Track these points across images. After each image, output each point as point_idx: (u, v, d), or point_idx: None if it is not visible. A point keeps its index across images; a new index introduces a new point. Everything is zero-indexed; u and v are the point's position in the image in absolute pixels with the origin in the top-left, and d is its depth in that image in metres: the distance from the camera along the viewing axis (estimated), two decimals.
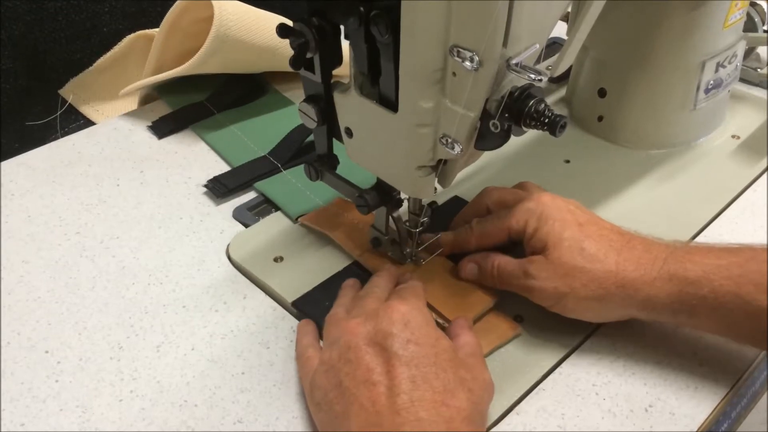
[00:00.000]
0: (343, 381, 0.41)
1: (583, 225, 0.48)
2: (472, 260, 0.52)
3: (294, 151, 0.67)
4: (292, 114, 0.74)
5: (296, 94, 0.78)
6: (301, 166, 0.66)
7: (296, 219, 0.61)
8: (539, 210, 0.49)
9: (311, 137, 0.67)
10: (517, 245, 0.51)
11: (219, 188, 0.64)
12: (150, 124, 0.73)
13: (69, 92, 0.80)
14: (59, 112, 0.78)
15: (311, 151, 0.66)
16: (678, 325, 0.49)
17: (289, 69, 0.76)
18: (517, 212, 0.50)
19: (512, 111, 0.41)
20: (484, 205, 0.54)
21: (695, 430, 0.45)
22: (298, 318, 0.53)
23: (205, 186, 0.65)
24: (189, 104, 0.75)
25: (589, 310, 0.48)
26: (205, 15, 0.69)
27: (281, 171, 0.66)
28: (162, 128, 0.73)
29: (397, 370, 0.40)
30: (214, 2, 0.67)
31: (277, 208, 0.63)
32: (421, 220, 0.52)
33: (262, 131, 0.72)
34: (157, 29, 0.75)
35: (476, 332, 0.48)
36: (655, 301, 0.45)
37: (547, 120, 0.41)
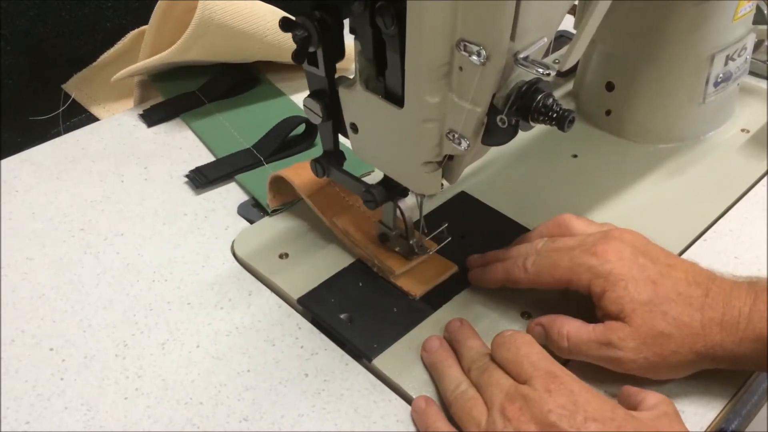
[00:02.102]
0: None
1: (657, 283, 0.45)
2: (539, 323, 0.48)
3: (277, 144, 0.67)
4: (282, 106, 0.75)
5: (289, 85, 0.78)
6: (284, 161, 0.67)
7: (272, 212, 0.61)
8: (606, 268, 0.45)
9: (297, 131, 0.68)
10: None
11: (199, 179, 0.64)
12: (141, 112, 0.74)
13: (72, 87, 0.80)
14: (62, 108, 0.77)
15: (296, 145, 0.68)
16: (760, 372, 0.48)
17: (281, 59, 0.77)
18: (578, 268, 0.46)
19: (520, 106, 0.41)
20: (525, 282, 0.49)
21: (705, 427, 0.45)
22: (304, 315, 0.53)
23: (186, 176, 0.65)
24: (181, 93, 0.76)
25: (679, 373, 0.46)
26: (196, 4, 0.69)
27: (263, 164, 0.66)
28: (152, 117, 0.73)
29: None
30: None
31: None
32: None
33: (250, 123, 0.72)
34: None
35: (415, 275, 0.52)
36: (743, 359, 0.44)
37: (555, 115, 0.40)
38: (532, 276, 0.49)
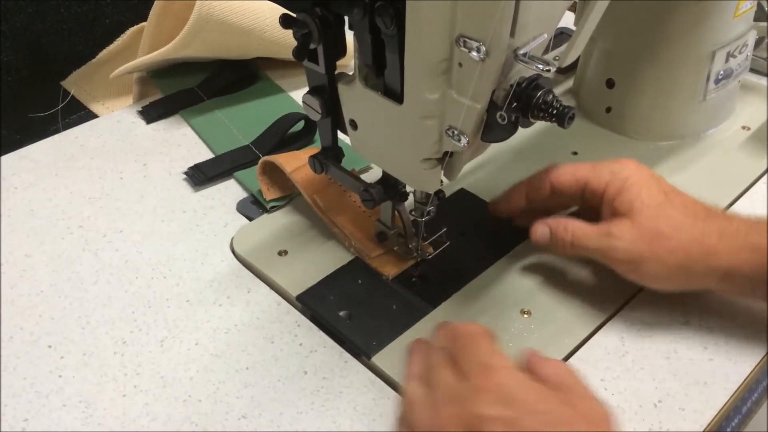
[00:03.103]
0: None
1: (668, 194, 0.49)
2: (545, 223, 0.52)
3: (276, 141, 0.67)
4: (281, 102, 0.74)
5: (288, 82, 0.78)
6: None
7: (270, 208, 0.61)
8: (624, 174, 0.50)
9: (296, 127, 0.67)
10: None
11: (198, 176, 0.64)
12: (140, 109, 0.73)
13: (71, 84, 0.80)
14: (61, 105, 0.77)
15: (295, 142, 0.68)
16: (754, 299, 0.49)
17: (280, 55, 0.76)
18: (599, 170, 0.51)
19: (520, 102, 0.40)
20: (547, 183, 0.53)
21: (705, 425, 0.45)
22: (303, 312, 0.52)
23: (185, 173, 0.65)
24: (180, 90, 0.75)
25: (670, 278, 0.48)
26: (194, 1, 0.69)
27: None
28: (151, 113, 0.73)
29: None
30: None
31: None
32: (428, 209, 0.51)
33: (249, 119, 0.71)
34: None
35: (390, 258, 0.54)
36: (738, 273, 0.46)
37: (555, 111, 0.40)
38: (554, 174, 0.52)
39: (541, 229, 0.52)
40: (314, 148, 0.60)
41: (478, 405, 0.37)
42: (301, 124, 0.69)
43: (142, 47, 0.75)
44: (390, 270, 0.54)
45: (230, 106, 0.74)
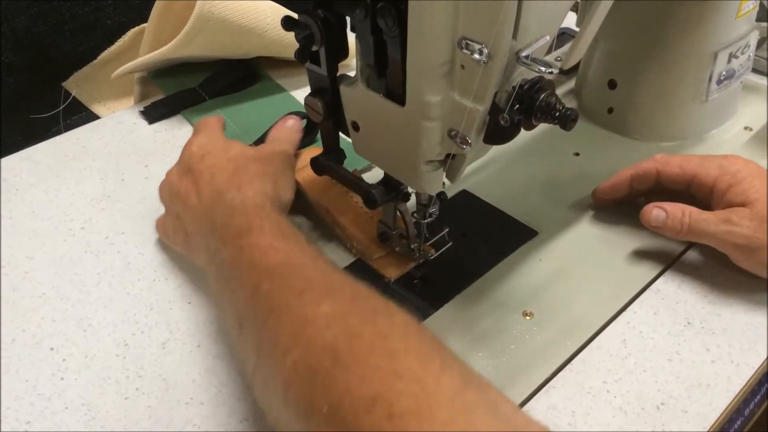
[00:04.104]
0: (177, 209, 0.53)
1: None
2: (659, 206, 0.53)
3: None
4: (283, 102, 0.74)
5: (290, 81, 0.78)
6: None
7: None
8: (734, 168, 0.52)
9: None
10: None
11: (153, 114, 0.66)
12: (142, 109, 0.73)
13: (73, 85, 0.80)
14: (63, 106, 0.77)
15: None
16: None
17: (282, 55, 0.76)
18: (708, 164, 0.53)
19: (522, 104, 0.40)
20: (654, 173, 0.56)
21: (708, 427, 0.45)
22: None
23: (141, 113, 0.67)
24: (181, 90, 0.75)
25: None
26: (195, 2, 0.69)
27: None
28: (153, 113, 0.73)
29: (201, 177, 0.51)
30: None
31: None
32: (430, 211, 0.51)
33: (252, 119, 0.71)
34: None
35: (392, 261, 0.55)
36: None
37: (558, 114, 0.40)
38: (661, 164, 0.55)
39: (656, 212, 0.53)
40: (316, 148, 0.60)
41: (184, 155, 0.56)
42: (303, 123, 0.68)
43: (143, 47, 0.75)
44: (392, 272, 0.54)
45: (232, 106, 0.74)
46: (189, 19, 0.67)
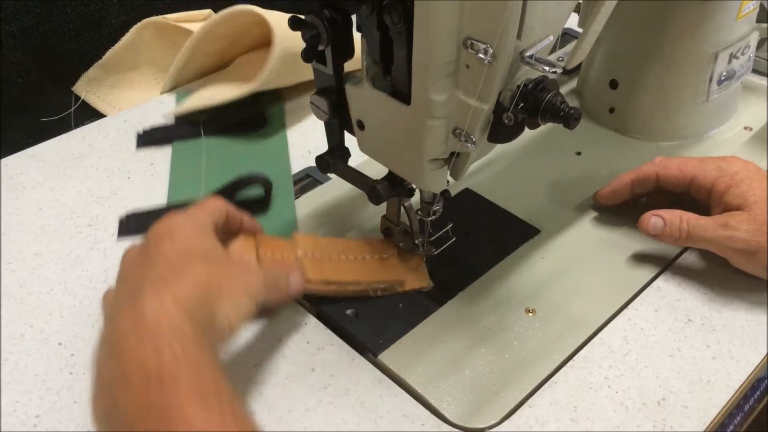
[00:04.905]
0: (118, 291, 0.43)
1: None
2: (657, 214, 0.53)
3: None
4: (272, 155, 0.68)
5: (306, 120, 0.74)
6: None
7: None
8: (733, 169, 0.52)
9: (254, 192, 0.59)
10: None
11: (129, 225, 0.59)
12: (141, 132, 0.71)
13: (82, 88, 0.80)
14: (73, 108, 0.78)
15: (247, 208, 0.54)
16: None
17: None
18: (706, 166, 0.53)
19: (526, 103, 0.41)
20: (653, 176, 0.56)
21: (708, 423, 0.45)
22: (310, 311, 0.53)
23: (120, 221, 0.60)
24: (187, 120, 0.72)
25: None
26: (241, 22, 0.70)
27: None
28: (145, 139, 0.70)
29: (148, 262, 0.42)
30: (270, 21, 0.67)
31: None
32: (434, 209, 0.52)
33: (225, 168, 0.65)
34: (163, 16, 0.77)
35: (413, 273, 0.53)
36: None
37: (561, 113, 0.41)
38: (660, 167, 0.55)
39: (654, 220, 0.53)
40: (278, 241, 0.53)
41: (150, 231, 0.44)
42: (258, 190, 0.62)
43: (178, 60, 0.75)
44: (422, 281, 0.54)
45: (219, 148, 0.68)
46: (237, 45, 0.68)
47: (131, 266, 0.43)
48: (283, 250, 0.52)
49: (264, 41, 0.75)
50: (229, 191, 0.61)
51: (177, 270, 0.41)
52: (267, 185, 0.62)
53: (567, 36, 0.82)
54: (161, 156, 0.68)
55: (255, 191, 0.62)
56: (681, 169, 0.55)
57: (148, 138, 0.71)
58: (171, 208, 0.60)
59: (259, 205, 0.61)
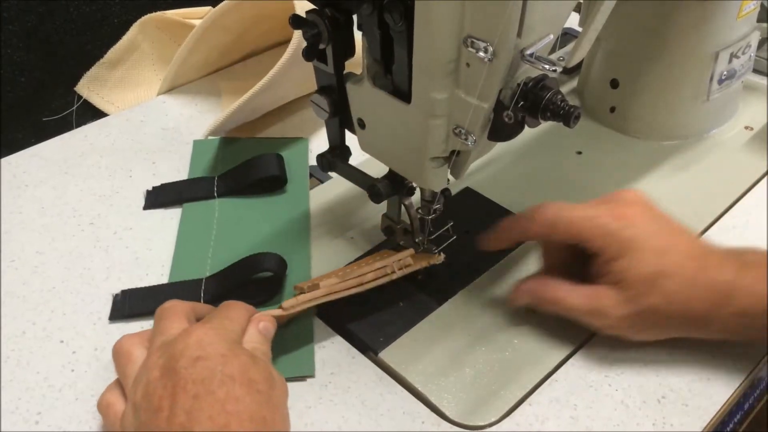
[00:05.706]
0: (143, 417, 0.39)
1: (664, 254, 0.45)
2: (527, 288, 0.50)
3: (234, 286, 0.53)
4: (291, 226, 0.60)
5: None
6: None
7: None
8: (626, 233, 0.46)
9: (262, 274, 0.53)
10: None
11: (122, 309, 0.53)
12: (149, 189, 0.64)
13: (84, 88, 0.80)
14: (75, 107, 0.78)
15: (257, 296, 0.53)
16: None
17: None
18: (594, 227, 0.47)
19: (527, 102, 0.41)
20: (543, 234, 0.50)
21: (708, 421, 0.45)
22: (316, 313, 0.53)
23: (114, 299, 0.54)
24: (199, 177, 0.65)
25: (661, 336, 0.48)
26: (250, 14, 0.69)
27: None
28: (152, 199, 0.63)
29: (182, 392, 0.38)
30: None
31: None
32: (434, 207, 0.52)
33: (240, 241, 0.58)
34: (164, 12, 0.77)
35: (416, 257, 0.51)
36: (724, 331, 0.46)
37: (562, 112, 0.41)
38: (547, 228, 0.48)
39: (521, 299, 0.50)
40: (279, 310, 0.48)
41: (178, 346, 0.41)
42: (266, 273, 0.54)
43: (180, 53, 0.74)
44: (432, 258, 0.53)
45: (230, 218, 0.61)
46: (244, 38, 0.66)
47: (157, 393, 0.39)
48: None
49: (272, 38, 0.74)
50: (234, 279, 0.54)
51: (227, 410, 0.38)
52: (280, 269, 0.54)
53: (567, 36, 0.82)
54: (163, 155, 0.68)
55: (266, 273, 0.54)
56: (569, 231, 0.47)
57: (157, 199, 0.63)
58: (158, 290, 0.54)
59: (267, 291, 0.54)
